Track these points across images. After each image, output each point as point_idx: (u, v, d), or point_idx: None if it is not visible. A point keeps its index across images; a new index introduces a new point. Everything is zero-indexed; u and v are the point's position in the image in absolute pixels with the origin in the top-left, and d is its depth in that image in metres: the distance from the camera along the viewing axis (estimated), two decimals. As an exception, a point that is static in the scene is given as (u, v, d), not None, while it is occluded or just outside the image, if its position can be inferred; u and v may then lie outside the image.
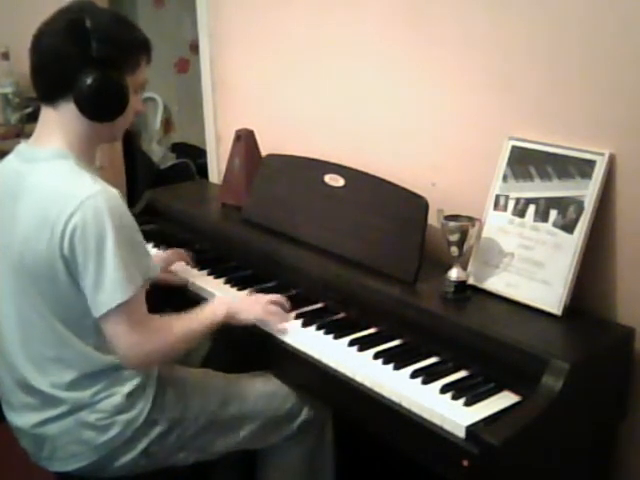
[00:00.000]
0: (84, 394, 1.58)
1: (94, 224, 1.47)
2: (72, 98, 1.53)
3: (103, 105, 1.55)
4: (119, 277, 1.49)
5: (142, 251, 1.59)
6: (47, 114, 1.59)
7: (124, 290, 1.50)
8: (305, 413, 1.81)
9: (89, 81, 1.51)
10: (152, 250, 2.24)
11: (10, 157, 1.65)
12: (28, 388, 1.61)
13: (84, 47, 1.51)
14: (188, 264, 2.13)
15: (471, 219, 1.71)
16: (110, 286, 1.49)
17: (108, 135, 1.67)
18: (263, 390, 1.79)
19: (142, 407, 1.61)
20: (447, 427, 1.40)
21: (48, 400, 1.59)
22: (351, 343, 1.69)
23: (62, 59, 1.52)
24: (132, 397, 1.60)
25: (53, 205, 1.50)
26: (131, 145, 3.81)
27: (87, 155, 1.60)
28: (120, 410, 1.59)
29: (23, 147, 1.63)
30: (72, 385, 1.58)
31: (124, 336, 1.53)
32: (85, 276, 1.49)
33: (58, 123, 1.57)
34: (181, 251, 2.15)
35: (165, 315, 1.65)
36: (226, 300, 1.81)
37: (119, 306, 1.50)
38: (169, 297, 2.02)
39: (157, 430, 1.63)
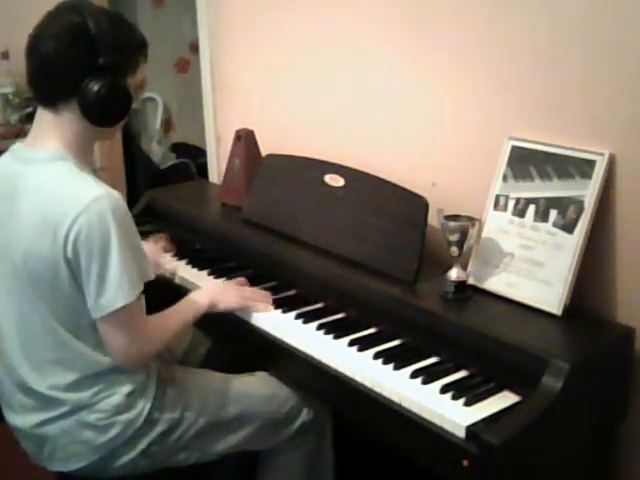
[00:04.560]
0: (84, 395, 1.58)
1: (99, 228, 1.47)
2: (76, 102, 1.52)
3: (110, 111, 1.55)
4: (122, 281, 1.49)
5: (142, 255, 1.58)
6: (44, 116, 1.57)
7: (126, 294, 1.51)
8: (305, 415, 1.81)
9: (96, 88, 1.50)
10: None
11: (5, 157, 1.64)
12: (27, 390, 1.61)
13: (90, 53, 1.50)
14: (169, 252, 2.18)
15: (471, 219, 1.71)
16: (113, 290, 1.49)
17: (106, 136, 1.71)
18: (263, 391, 1.80)
19: (142, 407, 1.62)
20: (447, 427, 1.40)
21: (47, 401, 1.59)
22: (351, 343, 1.69)
23: (67, 64, 1.51)
24: (132, 397, 1.61)
25: (56, 207, 1.49)
26: (131, 145, 3.82)
27: (85, 156, 1.60)
28: (120, 410, 1.59)
29: (19, 147, 1.62)
30: (72, 386, 1.58)
31: (121, 339, 1.54)
32: (88, 279, 1.50)
33: (56, 125, 1.56)
34: (162, 238, 2.20)
35: (156, 314, 1.67)
36: (210, 290, 1.84)
37: (120, 309, 1.51)
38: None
39: (157, 430, 1.64)
